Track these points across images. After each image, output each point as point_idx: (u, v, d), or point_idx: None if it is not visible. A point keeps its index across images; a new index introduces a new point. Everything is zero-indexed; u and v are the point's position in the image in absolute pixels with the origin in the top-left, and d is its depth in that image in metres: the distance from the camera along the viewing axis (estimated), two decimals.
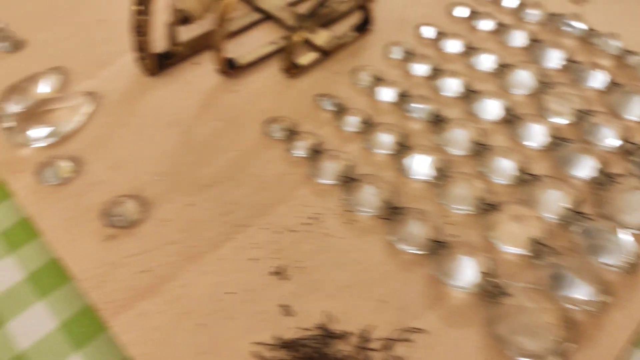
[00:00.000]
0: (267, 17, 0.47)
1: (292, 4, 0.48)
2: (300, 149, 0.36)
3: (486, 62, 0.42)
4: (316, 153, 0.36)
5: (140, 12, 0.38)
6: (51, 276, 0.31)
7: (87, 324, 0.29)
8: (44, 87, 0.40)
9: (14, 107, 0.38)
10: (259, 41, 0.45)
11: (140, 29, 0.39)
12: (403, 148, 0.36)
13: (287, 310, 0.29)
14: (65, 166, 0.35)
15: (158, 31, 0.40)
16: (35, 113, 0.37)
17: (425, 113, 0.38)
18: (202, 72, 0.43)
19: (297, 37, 0.39)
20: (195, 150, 0.37)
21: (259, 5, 0.47)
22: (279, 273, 0.31)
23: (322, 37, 0.43)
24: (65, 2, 0.49)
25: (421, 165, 0.35)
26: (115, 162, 0.36)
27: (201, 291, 0.30)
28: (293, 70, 0.41)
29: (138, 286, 0.30)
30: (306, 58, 0.42)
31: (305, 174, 0.35)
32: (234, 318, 0.29)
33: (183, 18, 0.40)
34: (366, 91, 0.40)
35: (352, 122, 0.38)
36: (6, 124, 0.37)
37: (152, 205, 0.34)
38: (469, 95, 0.39)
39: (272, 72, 0.42)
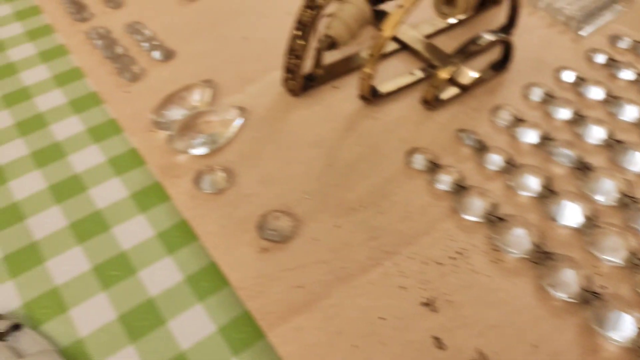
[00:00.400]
0: (403, 47, 0.48)
1: (428, 36, 0.49)
2: (443, 183, 0.37)
3: (629, 112, 0.41)
4: (460, 188, 0.36)
5: (298, 37, 0.40)
6: (208, 280, 0.33)
7: (243, 331, 0.31)
8: (197, 98, 0.42)
9: (172, 115, 0.40)
10: (395, 70, 0.46)
11: (296, 53, 0.40)
12: (548, 192, 0.36)
13: (439, 343, 0.30)
14: (220, 176, 0.37)
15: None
16: (193, 123, 0.39)
17: (569, 158, 0.38)
18: (343, 96, 0.44)
19: (444, 73, 0.40)
20: (339, 173, 0.38)
21: (397, 35, 0.48)
22: (429, 304, 0.31)
23: (462, 73, 0.44)
24: (210, 18, 0.52)
25: (569, 212, 0.35)
26: (265, 176, 0.38)
27: (353, 313, 0.31)
28: (433, 103, 0.42)
29: (293, 300, 0.31)
30: (446, 92, 0.43)
31: (450, 208, 0.36)
32: (386, 344, 0.30)
33: (330, 44, 0.42)
34: (505, 130, 0.41)
35: (494, 160, 0.38)
36: (167, 131, 0.39)
37: (301, 222, 0.35)
38: (613, 144, 0.39)
39: (410, 102, 0.43)
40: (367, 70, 0.39)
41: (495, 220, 0.34)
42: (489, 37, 0.40)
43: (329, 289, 0.32)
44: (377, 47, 0.38)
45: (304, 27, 0.39)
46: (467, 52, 0.39)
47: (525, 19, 0.50)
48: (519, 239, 0.33)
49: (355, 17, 0.42)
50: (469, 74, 0.44)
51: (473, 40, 0.40)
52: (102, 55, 0.47)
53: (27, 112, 0.43)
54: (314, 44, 0.41)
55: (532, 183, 0.36)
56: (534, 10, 0.52)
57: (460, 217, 0.35)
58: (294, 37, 0.40)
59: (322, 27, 0.41)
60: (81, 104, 0.44)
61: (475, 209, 0.35)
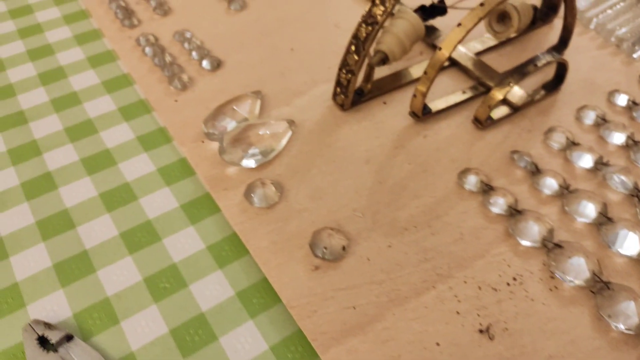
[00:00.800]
0: (452, 63, 0.47)
1: (478, 54, 0.48)
2: (497, 206, 0.36)
3: None
4: (515, 212, 0.36)
5: (353, 52, 0.39)
6: (259, 297, 0.33)
7: (295, 351, 0.30)
8: (246, 110, 0.41)
9: (223, 127, 0.40)
10: (443, 86, 0.45)
11: (350, 68, 0.40)
12: (605, 219, 0.35)
13: None
14: (271, 190, 0.36)
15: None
16: (244, 135, 0.38)
17: (624, 185, 0.37)
18: (392, 112, 0.43)
19: (500, 93, 0.39)
20: (390, 191, 0.38)
21: None
22: (485, 332, 0.30)
23: (515, 93, 0.43)
24: (257, 28, 0.52)
25: (627, 241, 0.34)
26: (314, 191, 0.37)
27: (408, 337, 0.30)
28: (485, 122, 0.41)
29: (346, 321, 0.31)
30: (497, 111, 0.42)
31: (504, 232, 0.35)
32: None
33: (382, 59, 0.41)
34: (558, 153, 0.40)
35: (549, 184, 0.37)
36: (217, 142, 0.39)
37: (353, 241, 0.35)
38: None
39: (460, 120, 0.43)
40: (421, 88, 0.39)
41: (551, 246, 0.34)
42: (547, 58, 0.39)
43: (382, 311, 0.31)
44: (434, 66, 0.37)
45: (360, 42, 0.39)
46: (524, 72, 0.39)
47: (575, 39, 0.50)
48: (577, 267, 0.33)
49: (408, 32, 0.42)
50: (521, 94, 0.43)
51: (532, 61, 0.39)
52: (152, 63, 0.47)
53: (76, 117, 0.44)
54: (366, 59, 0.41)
55: (588, 209, 0.36)
56: (585, 31, 0.51)
57: (515, 241, 0.35)
58: (349, 52, 0.39)
59: (374, 41, 0.40)
60: (130, 111, 0.44)
61: (531, 234, 0.34)
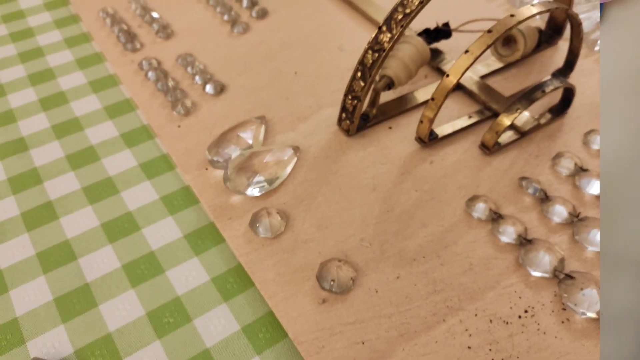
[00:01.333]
0: (457, 87, 0.47)
1: (483, 77, 0.48)
2: (507, 235, 0.35)
3: None
4: (525, 241, 0.35)
5: (360, 79, 0.39)
6: (265, 331, 0.32)
7: None
8: (250, 136, 0.41)
9: (227, 154, 0.39)
10: (448, 110, 0.45)
11: (356, 94, 0.39)
12: None
13: None
14: (277, 220, 0.36)
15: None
16: (249, 163, 0.38)
17: None
18: (397, 137, 0.43)
19: (507, 119, 0.39)
20: (397, 220, 0.37)
21: None
22: None
23: (521, 118, 0.43)
24: (260, 52, 0.51)
25: None
26: (320, 221, 0.37)
27: None
28: (492, 148, 0.41)
29: (356, 358, 0.30)
30: (504, 136, 0.42)
31: (514, 262, 0.34)
32: None
33: (387, 84, 0.41)
34: (567, 179, 0.40)
35: (558, 211, 0.37)
36: (221, 170, 0.39)
37: (361, 272, 0.34)
38: None
39: (466, 146, 0.42)
40: (428, 113, 0.39)
41: (563, 277, 0.33)
42: (555, 84, 0.39)
43: (392, 347, 0.31)
44: (442, 92, 0.37)
45: (366, 68, 0.38)
46: (532, 98, 0.38)
47: (579, 61, 0.49)
48: (589, 298, 0.32)
49: (414, 57, 0.42)
50: (527, 118, 0.43)
51: (539, 87, 0.39)
52: (155, 88, 0.47)
53: (78, 144, 0.43)
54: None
55: (598, 238, 0.35)
56: (589, 53, 0.51)
57: (526, 272, 0.34)
58: (355, 78, 0.39)
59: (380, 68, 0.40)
60: (133, 138, 0.43)
61: (541, 264, 0.34)
